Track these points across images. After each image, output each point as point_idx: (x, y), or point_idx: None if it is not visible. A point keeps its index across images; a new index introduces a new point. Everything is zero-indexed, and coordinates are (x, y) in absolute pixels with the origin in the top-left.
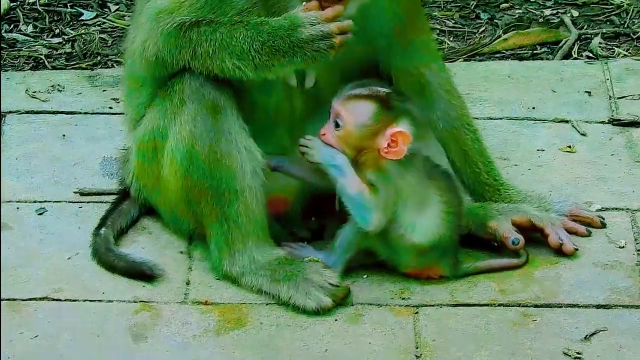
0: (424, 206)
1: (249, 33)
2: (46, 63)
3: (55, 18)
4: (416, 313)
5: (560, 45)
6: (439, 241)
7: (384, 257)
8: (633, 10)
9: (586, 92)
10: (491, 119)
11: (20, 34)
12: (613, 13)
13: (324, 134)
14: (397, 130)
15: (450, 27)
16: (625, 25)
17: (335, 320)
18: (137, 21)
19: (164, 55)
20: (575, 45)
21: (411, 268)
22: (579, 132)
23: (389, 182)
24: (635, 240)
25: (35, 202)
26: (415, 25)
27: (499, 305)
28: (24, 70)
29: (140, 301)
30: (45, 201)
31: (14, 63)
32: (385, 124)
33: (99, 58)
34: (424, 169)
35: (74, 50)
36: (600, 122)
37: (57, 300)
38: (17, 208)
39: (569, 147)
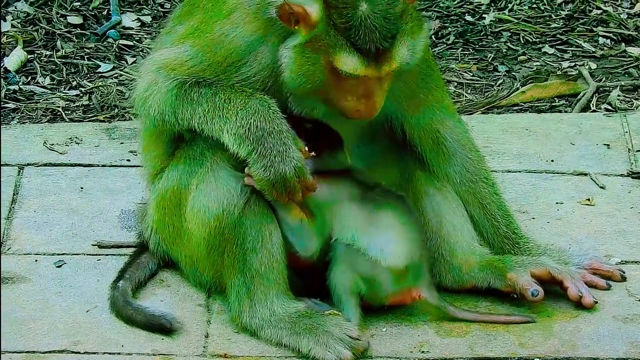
0: (380, 229)
1: (247, 106)
2: (64, 115)
3: (73, 70)
4: None
5: (578, 97)
6: (410, 261)
7: (366, 294)
8: None
9: (605, 144)
10: (509, 171)
11: (37, 86)
12: (631, 65)
13: None
14: None
15: (468, 79)
16: None
17: None
18: (139, 70)
19: (166, 114)
20: (594, 97)
21: (392, 296)
22: (597, 185)
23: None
24: None
25: (53, 254)
26: (427, 85)
27: (519, 358)
28: (42, 123)
29: (159, 354)
30: (63, 254)
31: (32, 115)
32: None
33: (116, 110)
34: (360, 190)
35: (91, 103)
36: (619, 175)
37: (76, 352)
38: (36, 260)
39: (588, 200)
